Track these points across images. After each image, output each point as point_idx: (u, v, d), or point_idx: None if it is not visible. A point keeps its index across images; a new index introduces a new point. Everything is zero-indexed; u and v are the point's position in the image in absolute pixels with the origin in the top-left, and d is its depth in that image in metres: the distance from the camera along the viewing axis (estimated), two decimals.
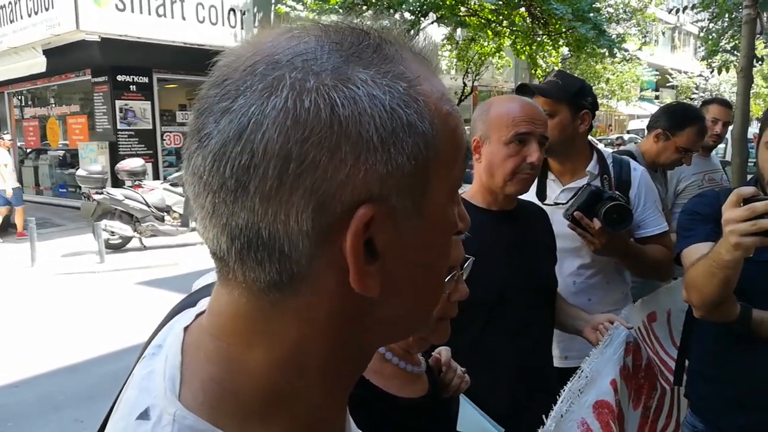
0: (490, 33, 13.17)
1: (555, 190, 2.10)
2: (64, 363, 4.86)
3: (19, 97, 14.71)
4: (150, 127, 11.97)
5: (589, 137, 2.25)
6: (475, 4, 12.23)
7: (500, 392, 1.58)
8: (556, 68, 12.03)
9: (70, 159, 13.01)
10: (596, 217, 1.87)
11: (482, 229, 1.64)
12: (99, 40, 10.38)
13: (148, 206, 8.87)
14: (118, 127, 11.48)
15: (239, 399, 0.46)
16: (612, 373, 1.48)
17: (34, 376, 4.62)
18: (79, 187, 9.94)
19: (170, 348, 0.51)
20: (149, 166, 10.75)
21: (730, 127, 3.61)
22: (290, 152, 0.41)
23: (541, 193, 2.07)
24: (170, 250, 8.90)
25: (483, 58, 14.75)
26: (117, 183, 9.69)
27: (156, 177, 11.39)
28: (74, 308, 6.38)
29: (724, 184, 3.39)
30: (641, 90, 29.02)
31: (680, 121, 2.70)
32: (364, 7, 10.95)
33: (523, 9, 12.54)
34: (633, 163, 2.19)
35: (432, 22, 12.51)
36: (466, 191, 1.77)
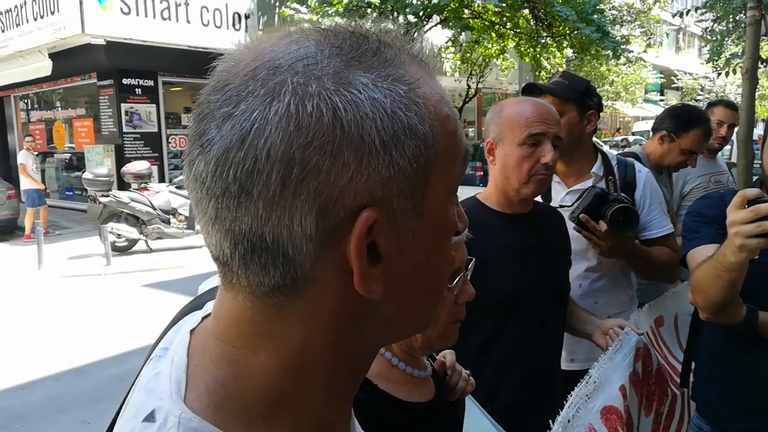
0: (494, 35, 13.17)
1: (560, 192, 2.09)
2: (71, 365, 4.88)
3: (26, 101, 14.81)
4: (155, 130, 12.03)
5: (594, 139, 2.24)
6: (478, 6, 12.23)
7: (509, 393, 1.58)
8: (560, 70, 12.00)
9: (77, 162, 13.08)
10: (602, 220, 1.86)
11: (497, 232, 1.64)
12: (104, 43, 10.45)
13: (154, 209, 8.91)
14: (124, 130, 11.54)
15: (244, 402, 0.47)
16: (621, 379, 1.47)
17: (40, 378, 4.64)
18: (86, 190, 10.00)
19: (176, 351, 0.51)
20: (155, 169, 10.83)
21: (736, 129, 3.60)
22: (293, 157, 0.41)
23: (546, 195, 2.07)
24: (176, 253, 8.93)
25: (487, 60, 14.74)
26: (123, 186, 9.73)
27: (162, 180, 11.45)
28: (81, 310, 6.41)
29: (731, 185, 3.38)
30: (646, 92, 28.94)
31: (685, 122, 2.69)
32: (368, 11, 10.97)
33: (527, 11, 12.53)
34: (638, 165, 2.18)
35: (435, 25, 12.52)
36: (481, 193, 1.76)
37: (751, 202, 1.29)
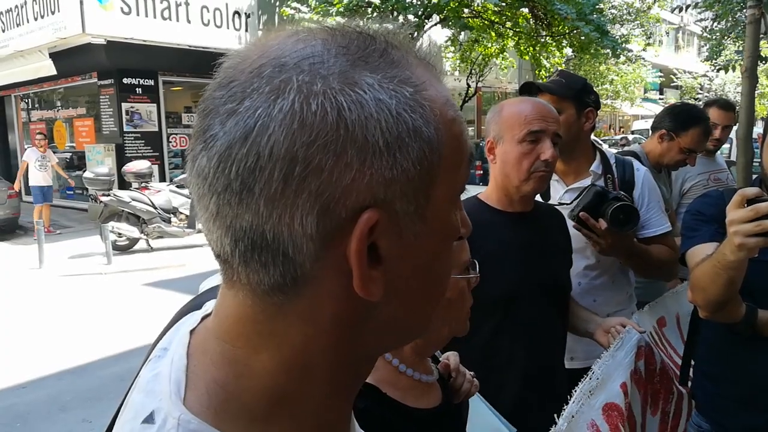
0: (493, 34, 13.17)
1: (559, 190, 2.09)
2: (72, 364, 4.88)
3: (26, 100, 14.80)
4: (156, 129, 12.03)
5: (592, 137, 2.25)
6: (478, 5, 12.22)
7: (511, 391, 1.58)
8: (559, 69, 12.00)
9: (77, 161, 13.08)
10: (602, 218, 1.87)
11: (497, 230, 1.64)
12: (105, 43, 10.46)
13: (155, 208, 8.91)
14: (125, 130, 11.54)
15: (244, 403, 0.46)
16: (623, 377, 1.48)
17: (41, 377, 4.65)
18: (86, 189, 10.01)
19: (176, 351, 0.50)
20: (155, 168, 10.83)
21: (735, 127, 3.60)
22: (296, 155, 0.41)
23: (545, 194, 2.07)
24: (177, 252, 8.93)
25: (486, 60, 14.74)
26: (123, 185, 9.73)
27: (162, 179, 11.44)
28: (81, 309, 6.41)
29: (730, 183, 3.38)
30: (645, 91, 28.92)
31: (684, 121, 2.70)
32: (368, 10, 10.97)
33: (526, 10, 12.53)
34: (636, 164, 2.18)
35: (435, 24, 12.51)
36: (482, 192, 1.77)
37: (751, 201, 1.29)
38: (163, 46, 11.14)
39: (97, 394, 4.30)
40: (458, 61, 14.76)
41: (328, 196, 0.41)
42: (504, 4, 11.77)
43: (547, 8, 11.78)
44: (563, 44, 13.26)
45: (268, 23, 12.55)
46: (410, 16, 11.47)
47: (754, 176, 2.09)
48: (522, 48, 13.27)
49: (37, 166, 10.39)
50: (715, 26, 12.71)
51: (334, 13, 10.92)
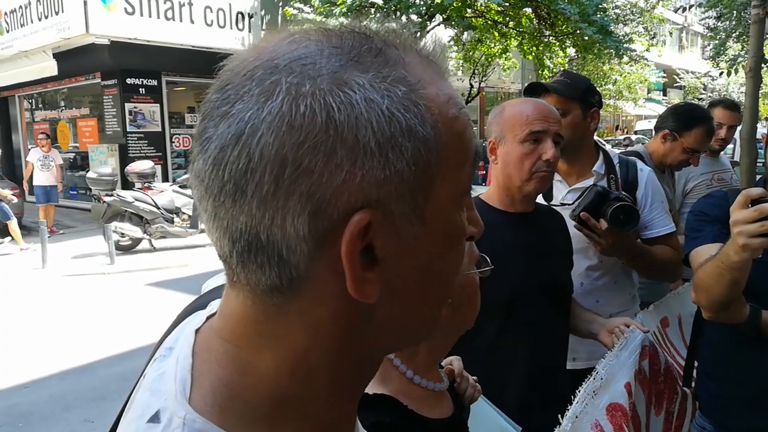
0: (496, 34, 13.17)
1: (561, 190, 2.09)
2: (75, 363, 4.89)
3: (30, 101, 14.85)
4: (159, 129, 12.06)
5: (596, 137, 2.25)
6: (481, 5, 12.22)
7: (514, 391, 1.58)
8: (562, 69, 12.00)
9: (80, 161, 13.12)
10: (603, 218, 1.87)
11: (499, 230, 1.64)
12: (108, 43, 10.49)
13: (158, 208, 8.93)
14: (128, 130, 11.57)
15: (249, 401, 0.46)
16: (627, 377, 1.48)
17: (44, 377, 4.66)
18: (90, 189, 10.03)
19: (181, 350, 0.51)
20: (158, 169, 10.84)
21: (739, 128, 3.59)
22: (286, 157, 0.41)
23: (548, 194, 2.07)
24: (180, 252, 8.95)
25: (490, 60, 14.74)
26: (127, 185, 9.76)
27: (165, 179, 11.46)
28: (84, 309, 6.43)
29: (734, 183, 3.37)
30: (648, 91, 28.87)
31: (687, 121, 2.69)
32: (372, 10, 10.97)
33: (529, 10, 12.52)
34: (639, 164, 2.18)
35: (438, 24, 12.51)
36: (484, 192, 1.77)
37: (755, 202, 1.29)
38: (167, 47, 11.16)
39: (100, 394, 4.31)
40: (461, 61, 14.75)
41: (319, 198, 0.41)
42: (507, 3, 11.77)
43: (550, 8, 11.77)
44: (566, 44, 13.25)
45: (271, 24, 12.57)
46: (413, 16, 11.48)
47: (758, 176, 2.08)
48: (525, 48, 13.26)
49: (39, 166, 10.44)
50: (719, 25, 12.68)
51: (337, 14, 10.93)
